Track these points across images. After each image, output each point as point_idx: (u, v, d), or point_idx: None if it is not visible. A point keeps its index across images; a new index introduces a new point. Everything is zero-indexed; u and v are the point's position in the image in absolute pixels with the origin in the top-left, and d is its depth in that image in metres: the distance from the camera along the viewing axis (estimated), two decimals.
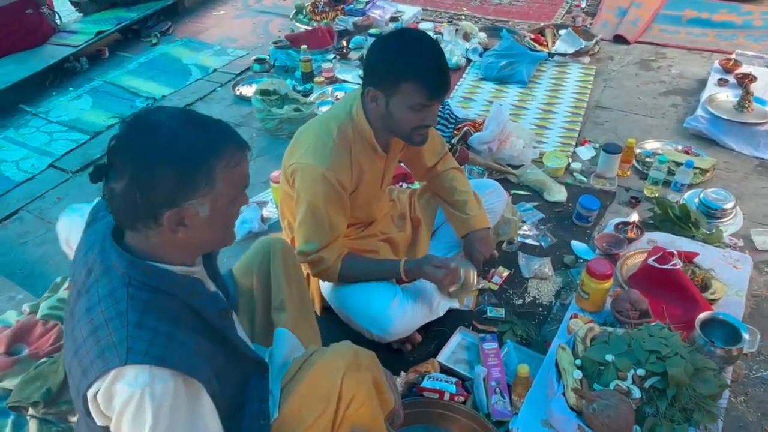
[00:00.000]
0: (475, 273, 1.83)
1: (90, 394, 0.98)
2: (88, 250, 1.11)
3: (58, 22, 4.41)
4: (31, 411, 1.75)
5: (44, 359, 1.87)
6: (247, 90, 3.78)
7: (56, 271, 2.47)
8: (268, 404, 1.26)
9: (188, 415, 1.00)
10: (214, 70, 4.12)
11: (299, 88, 3.74)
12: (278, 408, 1.28)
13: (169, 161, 0.97)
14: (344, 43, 4.18)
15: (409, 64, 1.56)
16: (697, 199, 2.53)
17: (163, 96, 3.82)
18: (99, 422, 1.01)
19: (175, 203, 0.99)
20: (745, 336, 1.66)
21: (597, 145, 3.04)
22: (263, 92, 3.33)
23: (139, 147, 0.98)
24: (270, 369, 1.36)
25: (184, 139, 0.99)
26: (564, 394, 1.52)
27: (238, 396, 1.18)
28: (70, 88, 4.00)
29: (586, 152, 3.02)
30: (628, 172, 2.84)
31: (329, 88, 3.68)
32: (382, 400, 1.32)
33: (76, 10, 4.67)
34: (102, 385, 0.96)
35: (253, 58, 4.10)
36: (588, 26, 4.29)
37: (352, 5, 4.48)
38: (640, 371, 1.49)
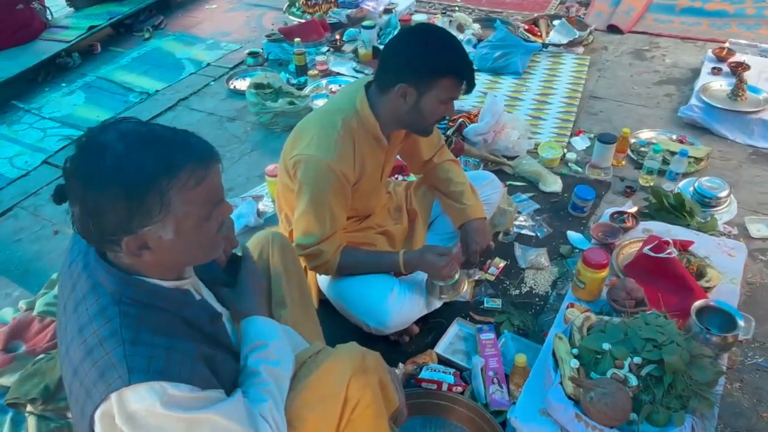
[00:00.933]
0: (466, 279, 1.87)
1: (98, 414, 0.95)
2: (72, 261, 1.08)
3: (50, 17, 4.38)
4: (29, 408, 1.74)
5: (42, 356, 1.87)
6: (241, 84, 3.76)
7: (52, 268, 2.46)
8: None
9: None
10: (208, 64, 4.10)
11: (293, 81, 3.73)
12: None
13: (115, 187, 0.91)
14: (338, 35, 4.17)
15: (447, 61, 1.61)
16: (691, 188, 2.54)
17: (157, 91, 3.81)
18: None
19: (130, 231, 0.94)
20: (741, 323, 1.67)
21: (592, 135, 3.05)
22: (257, 86, 3.32)
23: (86, 172, 0.93)
24: None
25: (131, 162, 0.91)
26: (561, 383, 1.52)
27: (231, 389, 1.18)
28: (63, 84, 3.98)
29: (580, 142, 3.03)
30: (623, 162, 2.84)
31: (323, 81, 3.67)
32: (387, 400, 1.32)
33: (68, 5, 4.63)
34: (112, 407, 0.93)
35: (247, 51, 4.08)
36: (582, 16, 4.28)
37: None
38: (637, 359, 1.49)
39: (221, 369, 1.09)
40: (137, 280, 1.01)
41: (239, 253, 1.36)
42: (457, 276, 1.81)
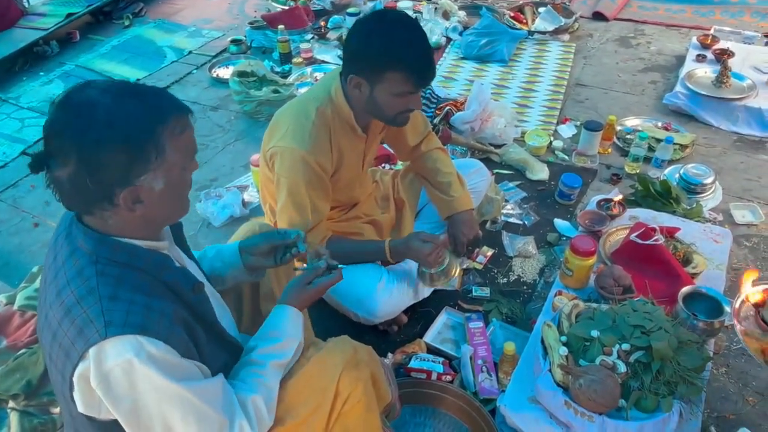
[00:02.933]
0: (456, 264, 1.85)
1: (77, 375, 0.95)
2: (57, 235, 1.09)
3: (27, 4, 4.28)
4: (11, 404, 1.71)
5: (23, 350, 1.83)
6: (224, 72, 3.71)
7: (32, 261, 2.41)
8: None
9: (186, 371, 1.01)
10: (190, 52, 4.04)
11: (277, 69, 3.68)
12: None
13: (114, 138, 0.92)
14: (322, 23, 4.12)
15: (393, 53, 1.50)
16: (677, 175, 2.55)
17: (138, 79, 3.73)
18: (81, 407, 0.99)
19: (128, 181, 0.96)
20: (727, 309, 1.68)
21: (578, 123, 3.05)
22: (241, 74, 3.27)
23: (77, 129, 0.92)
24: None
25: (124, 113, 0.94)
26: (550, 370, 1.52)
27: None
28: (41, 73, 3.90)
29: (567, 130, 3.03)
30: (609, 150, 2.85)
31: (308, 69, 3.63)
32: (379, 395, 1.31)
33: None
34: (89, 365, 0.93)
35: (229, 39, 4.02)
36: (567, 3, 4.27)
37: None
38: (625, 346, 1.50)
39: (201, 344, 1.08)
40: (113, 240, 1.02)
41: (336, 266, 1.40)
42: (446, 262, 1.80)
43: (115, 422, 0.99)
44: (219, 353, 1.16)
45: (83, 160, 0.93)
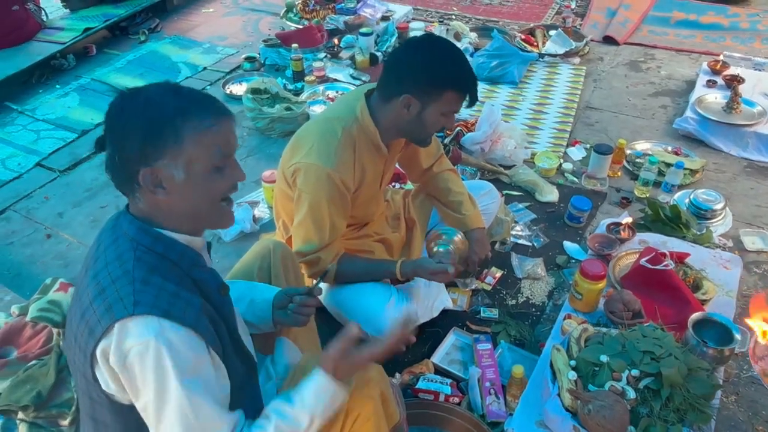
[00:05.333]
0: (460, 235, 1.85)
1: (99, 351, 0.99)
2: (103, 230, 1.13)
3: (45, 18, 4.34)
4: (21, 415, 1.72)
5: (34, 362, 1.84)
6: (238, 88, 3.75)
7: (44, 272, 2.43)
8: (261, 401, 1.26)
9: (203, 363, 1.03)
10: (204, 68, 4.09)
11: (290, 87, 3.72)
12: None
13: (139, 120, 1.02)
14: (335, 41, 4.17)
15: (452, 75, 1.62)
16: (687, 200, 2.55)
17: None
18: (104, 386, 1.02)
19: (147, 161, 1.02)
20: (737, 336, 1.68)
21: (588, 146, 3.06)
22: (254, 91, 3.31)
23: (118, 109, 1.05)
24: (270, 377, 1.35)
25: (156, 102, 1.04)
26: (559, 394, 1.52)
27: (236, 390, 1.17)
28: (57, 86, 3.95)
29: (577, 153, 3.04)
30: (619, 173, 2.86)
31: (320, 87, 3.66)
32: (388, 414, 1.31)
33: (63, 6, 4.61)
34: (111, 341, 0.97)
35: (243, 56, 4.07)
36: (578, 27, 4.31)
37: (343, 4, 4.46)
38: (635, 372, 1.50)
39: (225, 343, 1.11)
40: (156, 231, 1.07)
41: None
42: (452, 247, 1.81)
43: (134, 406, 1.03)
44: (236, 363, 1.17)
45: (113, 136, 1.05)
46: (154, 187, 1.04)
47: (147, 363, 0.96)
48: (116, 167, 1.05)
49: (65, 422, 1.72)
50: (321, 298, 1.92)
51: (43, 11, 4.35)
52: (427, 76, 1.60)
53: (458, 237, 1.83)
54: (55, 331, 1.93)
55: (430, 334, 2.05)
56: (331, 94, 3.60)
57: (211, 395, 1.03)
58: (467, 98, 1.66)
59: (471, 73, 1.65)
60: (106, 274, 1.03)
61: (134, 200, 1.08)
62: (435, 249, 1.83)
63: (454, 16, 4.67)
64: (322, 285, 1.88)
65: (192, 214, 1.10)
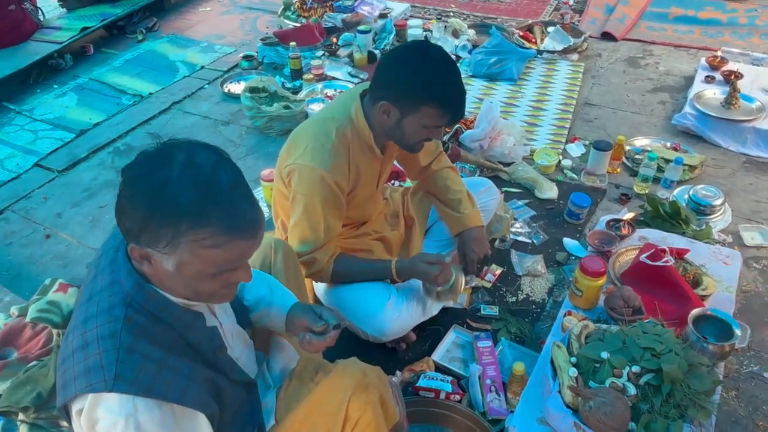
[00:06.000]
0: (463, 279, 1.85)
1: (74, 410, 0.96)
2: (104, 252, 1.08)
3: (42, 18, 4.33)
4: (21, 416, 1.72)
5: (34, 363, 1.84)
6: (236, 87, 3.75)
7: (44, 273, 2.43)
8: (261, 416, 1.26)
9: None
10: (202, 67, 4.08)
11: (288, 85, 3.71)
12: (275, 418, 1.27)
13: (146, 200, 0.92)
14: (333, 39, 4.16)
15: (432, 90, 1.55)
16: (686, 196, 2.55)
17: (150, 93, 3.78)
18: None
19: (138, 241, 0.95)
20: (737, 332, 1.68)
21: (587, 142, 3.06)
22: (252, 89, 3.31)
23: (136, 173, 0.94)
24: (267, 385, 1.35)
25: (172, 191, 0.91)
26: (560, 391, 1.52)
27: (236, 415, 1.17)
28: (55, 86, 3.94)
29: (576, 149, 3.04)
30: (618, 169, 2.85)
31: (319, 86, 3.66)
32: (387, 415, 1.30)
33: (60, 6, 4.59)
34: (84, 405, 0.94)
35: (241, 55, 4.07)
36: (576, 23, 4.31)
37: (340, 2, 4.45)
38: (635, 368, 1.50)
39: (225, 393, 1.08)
40: (152, 289, 1.01)
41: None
42: (452, 279, 1.80)
43: None
44: (238, 394, 1.16)
45: (120, 196, 0.95)
46: (141, 259, 0.98)
47: None
48: (118, 222, 0.98)
49: (65, 423, 1.72)
50: (320, 296, 1.92)
51: (40, 11, 4.34)
52: (405, 87, 1.56)
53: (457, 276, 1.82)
54: (54, 331, 1.93)
55: (431, 331, 2.05)
56: (329, 92, 3.60)
57: None
58: (449, 116, 1.59)
59: (455, 90, 1.58)
60: (94, 326, 0.97)
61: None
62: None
63: (452, 13, 4.66)
64: (322, 285, 1.89)
65: (180, 294, 1.04)
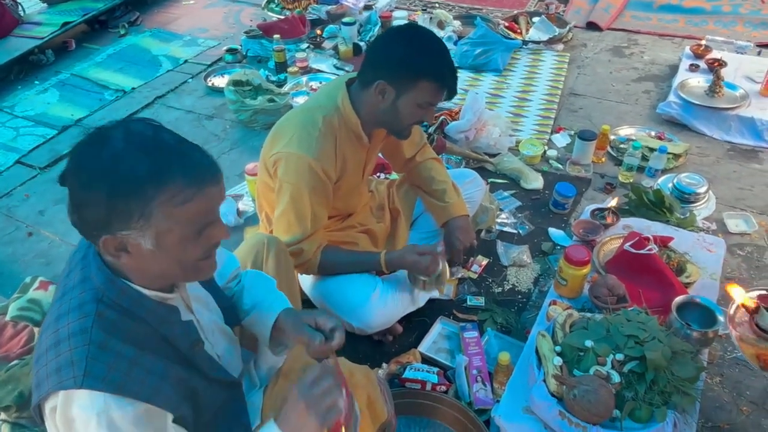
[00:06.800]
0: (448, 269, 1.85)
1: (48, 408, 0.94)
2: (80, 247, 1.06)
3: (22, 13, 4.28)
4: (3, 415, 1.70)
5: (15, 362, 1.82)
6: (220, 81, 3.72)
7: (25, 271, 2.40)
8: (247, 416, 1.24)
9: None
10: (185, 61, 4.04)
11: (273, 78, 3.68)
12: (260, 417, 1.25)
13: (103, 183, 0.89)
14: (318, 32, 4.13)
15: (428, 64, 1.58)
16: (670, 184, 2.56)
17: (133, 88, 3.74)
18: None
19: (110, 230, 0.92)
20: (721, 318, 1.68)
21: (572, 132, 3.06)
22: (236, 83, 3.28)
23: (80, 162, 0.92)
24: (254, 384, 1.33)
25: (125, 163, 0.89)
26: (545, 380, 1.52)
27: (218, 415, 1.15)
28: (36, 82, 3.89)
29: (561, 139, 3.04)
30: (603, 159, 2.86)
31: (303, 78, 3.63)
32: (375, 415, 1.29)
33: (41, 1, 4.53)
34: (57, 404, 0.92)
35: (225, 48, 4.03)
36: (561, 13, 4.30)
37: None
38: (619, 356, 1.50)
39: (201, 393, 1.06)
40: (123, 283, 0.98)
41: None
42: (439, 269, 1.80)
43: None
44: (218, 394, 1.14)
45: (73, 194, 0.93)
46: (117, 252, 0.94)
47: None
48: (75, 223, 0.95)
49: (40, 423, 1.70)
50: (305, 289, 1.91)
51: (20, 6, 4.28)
52: (402, 63, 1.58)
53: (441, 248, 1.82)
54: (36, 330, 1.90)
55: (417, 323, 2.05)
56: (314, 84, 3.58)
57: None
58: (444, 91, 1.62)
59: (450, 65, 1.62)
60: (66, 323, 0.95)
61: (100, 253, 0.99)
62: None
63: (437, 5, 4.64)
64: (307, 277, 1.88)
65: (163, 276, 1.01)
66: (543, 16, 4.09)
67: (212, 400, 1.10)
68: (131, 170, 0.89)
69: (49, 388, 0.92)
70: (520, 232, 2.46)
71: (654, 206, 2.39)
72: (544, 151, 2.91)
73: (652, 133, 3.00)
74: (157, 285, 1.02)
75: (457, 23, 4.16)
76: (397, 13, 4.25)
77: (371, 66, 1.63)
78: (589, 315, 1.69)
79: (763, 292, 1.70)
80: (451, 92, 1.65)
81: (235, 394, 1.21)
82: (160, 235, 0.93)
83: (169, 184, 0.91)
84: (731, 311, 1.64)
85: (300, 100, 3.36)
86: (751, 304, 1.63)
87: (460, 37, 3.96)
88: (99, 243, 0.94)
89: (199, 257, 1.00)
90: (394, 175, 2.60)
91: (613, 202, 2.38)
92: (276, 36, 3.77)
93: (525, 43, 3.94)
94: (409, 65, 1.58)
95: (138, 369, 0.95)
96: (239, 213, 2.62)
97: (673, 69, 3.51)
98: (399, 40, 1.62)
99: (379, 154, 2.04)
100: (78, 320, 0.94)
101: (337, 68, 3.73)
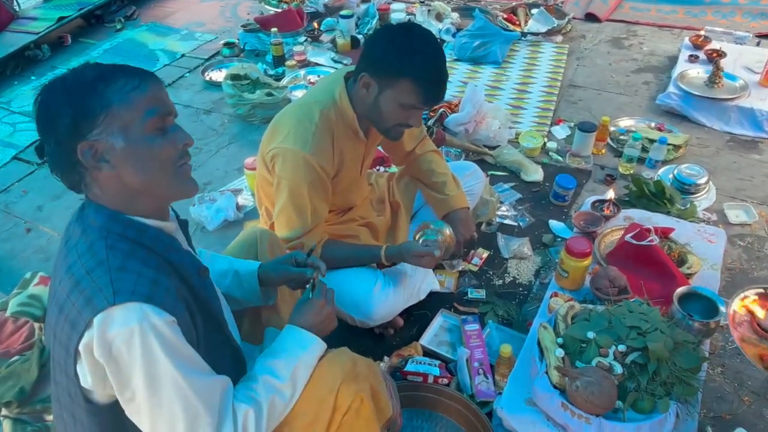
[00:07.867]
0: (450, 230, 1.83)
1: (82, 345, 0.95)
2: (69, 224, 1.09)
3: (17, 8, 4.26)
4: (4, 411, 1.70)
5: (16, 357, 1.82)
6: (217, 75, 3.70)
7: (24, 267, 2.39)
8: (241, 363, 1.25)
9: (185, 344, 1.01)
10: (182, 56, 4.02)
11: (271, 72, 3.67)
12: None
13: (62, 95, 0.99)
14: (315, 25, 4.12)
15: (412, 64, 1.52)
16: (671, 175, 2.56)
17: None
18: (88, 380, 0.99)
19: (81, 135, 0.98)
20: (722, 309, 1.68)
21: (572, 124, 3.06)
22: (234, 77, 3.26)
23: (42, 99, 1.00)
24: None
25: (76, 75, 1.01)
26: (547, 372, 1.52)
27: (208, 355, 1.15)
28: (32, 77, 3.87)
29: (561, 131, 3.03)
30: (603, 150, 2.85)
31: (301, 72, 3.62)
32: (379, 408, 1.27)
33: None
34: (94, 334, 0.93)
35: (222, 42, 4.01)
36: (560, 5, 4.28)
37: None
38: (621, 347, 1.50)
39: (199, 333, 1.08)
40: (124, 217, 1.04)
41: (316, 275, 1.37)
42: (439, 239, 1.79)
43: (113, 405, 1.00)
44: (220, 349, 1.15)
45: (45, 125, 1.00)
46: (97, 162, 0.99)
47: (134, 350, 0.93)
48: (56, 156, 1.01)
49: (50, 417, 1.70)
50: None
51: (15, 1, 4.25)
52: (386, 57, 1.54)
53: (447, 230, 1.81)
54: (36, 325, 1.90)
55: (418, 316, 2.05)
56: (312, 78, 3.56)
57: (200, 367, 1.03)
58: (422, 93, 1.55)
59: (437, 72, 1.56)
60: (80, 266, 0.98)
61: (89, 189, 1.04)
62: (421, 239, 1.81)
63: None
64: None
65: (149, 188, 1.05)
66: (542, 7, 4.08)
67: (213, 352, 1.11)
68: (82, 79, 1.00)
69: (86, 319, 0.94)
70: (521, 224, 2.46)
71: (654, 197, 2.39)
72: (544, 143, 2.90)
73: (652, 125, 3.00)
74: (149, 208, 1.07)
75: (455, 15, 4.15)
76: (395, 5, 4.23)
77: (361, 59, 1.62)
78: (590, 306, 1.68)
79: (761, 290, 1.70)
80: (432, 98, 1.59)
81: (239, 372, 1.21)
82: (125, 127, 0.99)
83: (115, 79, 1.00)
84: (731, 311, 1.63)
85: (298, 93, 3.35)
86: (752, 303, 1.64)
87: (458, 29, 3.95)
88: (78, 155, 0.98)
89: (173, 158, 1.05)
90: (394, 169, 2.59)
91: (611, 193, 2.38)
92: (273, 29, 3.75)
93: (524, 34, 3.93)
94: (392, 61, 1.53)
95: (159, 286, 0.99)
96: (239, 207, 2.61)
97: (673, 60, 3.50)
98: (391, 35, 1.57)
99: (379, 147, 2.04)
100: (91, 258, 0.99)
101: (335, 61, 3.71)
